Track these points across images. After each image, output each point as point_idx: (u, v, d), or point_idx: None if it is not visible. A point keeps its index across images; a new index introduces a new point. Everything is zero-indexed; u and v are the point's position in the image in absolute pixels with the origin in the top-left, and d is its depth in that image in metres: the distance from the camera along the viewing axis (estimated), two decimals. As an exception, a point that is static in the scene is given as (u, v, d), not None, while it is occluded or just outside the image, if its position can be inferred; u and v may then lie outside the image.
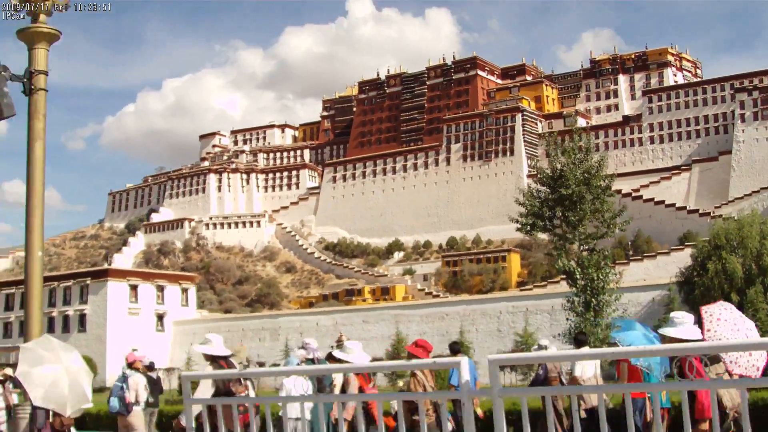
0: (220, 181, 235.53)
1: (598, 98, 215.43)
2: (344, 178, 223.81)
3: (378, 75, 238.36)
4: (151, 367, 22.96)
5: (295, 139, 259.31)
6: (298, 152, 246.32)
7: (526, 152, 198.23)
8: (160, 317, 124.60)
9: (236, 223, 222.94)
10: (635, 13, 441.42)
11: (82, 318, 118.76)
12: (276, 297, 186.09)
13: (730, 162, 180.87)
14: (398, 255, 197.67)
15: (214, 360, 12.38)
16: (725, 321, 10.25)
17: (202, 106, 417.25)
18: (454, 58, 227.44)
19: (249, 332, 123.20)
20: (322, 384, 15.75)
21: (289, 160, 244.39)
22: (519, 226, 48.92)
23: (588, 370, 17.51)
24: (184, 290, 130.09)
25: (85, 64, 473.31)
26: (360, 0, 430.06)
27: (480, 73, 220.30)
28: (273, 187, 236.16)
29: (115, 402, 20.22)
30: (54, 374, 11.33)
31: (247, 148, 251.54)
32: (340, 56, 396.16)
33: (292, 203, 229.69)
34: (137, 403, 20.43)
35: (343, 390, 14.11)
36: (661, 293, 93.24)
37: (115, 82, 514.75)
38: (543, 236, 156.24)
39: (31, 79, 12.61)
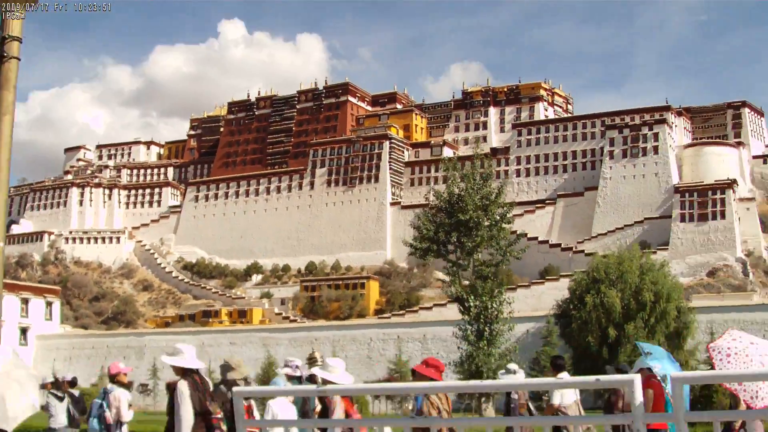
0: (82, 195, 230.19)
1: (467, 129, 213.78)
2: (206, 198, 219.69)
3: (248, 96, 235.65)
4: (73, 383, 20.92)
5: (160, 156, 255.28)
6: (162, 170, 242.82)
7: (391, 180, 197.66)
8: (24, 331, 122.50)
9: (96, 239, 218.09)
10: (504, 49, 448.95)
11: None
12: (132, 315, 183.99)
13: (595, 198, 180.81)
14: (257, 278, 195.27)
15: (186, 373, 11.10)
16: (735, 354, 9.20)
17: (68, 120, 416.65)
18: (326, 83, 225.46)
19: (114, 350, 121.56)
20: (307, 406, 13.96)
21: (153, 178, 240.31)
22: (412, 250, 49.65)
23: (568, 397, 16.68)
24: (49, 304, 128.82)
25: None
26: (232, 22, 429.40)
27: (350, 99, 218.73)
28: (135, 204, 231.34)
29: (94, 423, 17.43)
30: None
31: (111, 163, 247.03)
32: (210, 77, 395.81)
33: (152, 221, 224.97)
34: (119, 423, 17.53)
35: (326, 414, 11.98)
36: (537, 325, 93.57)
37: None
38: (404, 265, 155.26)
39: (3, 46, 10.94)
